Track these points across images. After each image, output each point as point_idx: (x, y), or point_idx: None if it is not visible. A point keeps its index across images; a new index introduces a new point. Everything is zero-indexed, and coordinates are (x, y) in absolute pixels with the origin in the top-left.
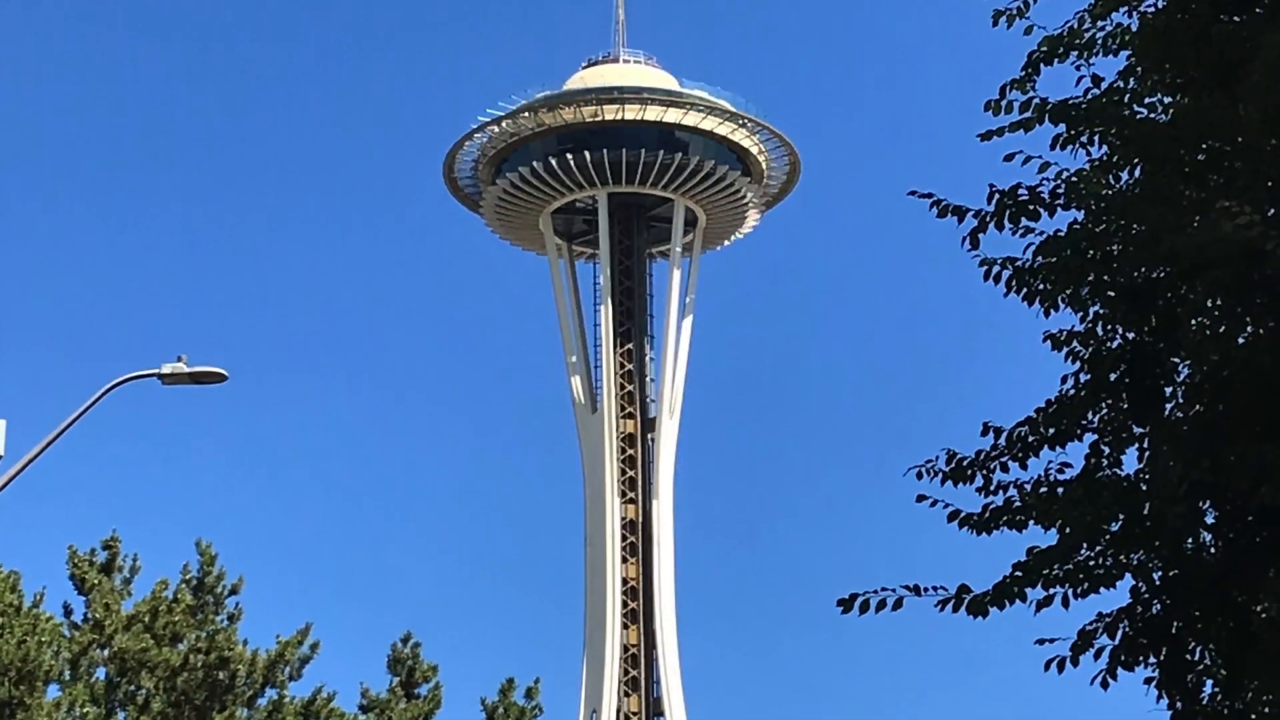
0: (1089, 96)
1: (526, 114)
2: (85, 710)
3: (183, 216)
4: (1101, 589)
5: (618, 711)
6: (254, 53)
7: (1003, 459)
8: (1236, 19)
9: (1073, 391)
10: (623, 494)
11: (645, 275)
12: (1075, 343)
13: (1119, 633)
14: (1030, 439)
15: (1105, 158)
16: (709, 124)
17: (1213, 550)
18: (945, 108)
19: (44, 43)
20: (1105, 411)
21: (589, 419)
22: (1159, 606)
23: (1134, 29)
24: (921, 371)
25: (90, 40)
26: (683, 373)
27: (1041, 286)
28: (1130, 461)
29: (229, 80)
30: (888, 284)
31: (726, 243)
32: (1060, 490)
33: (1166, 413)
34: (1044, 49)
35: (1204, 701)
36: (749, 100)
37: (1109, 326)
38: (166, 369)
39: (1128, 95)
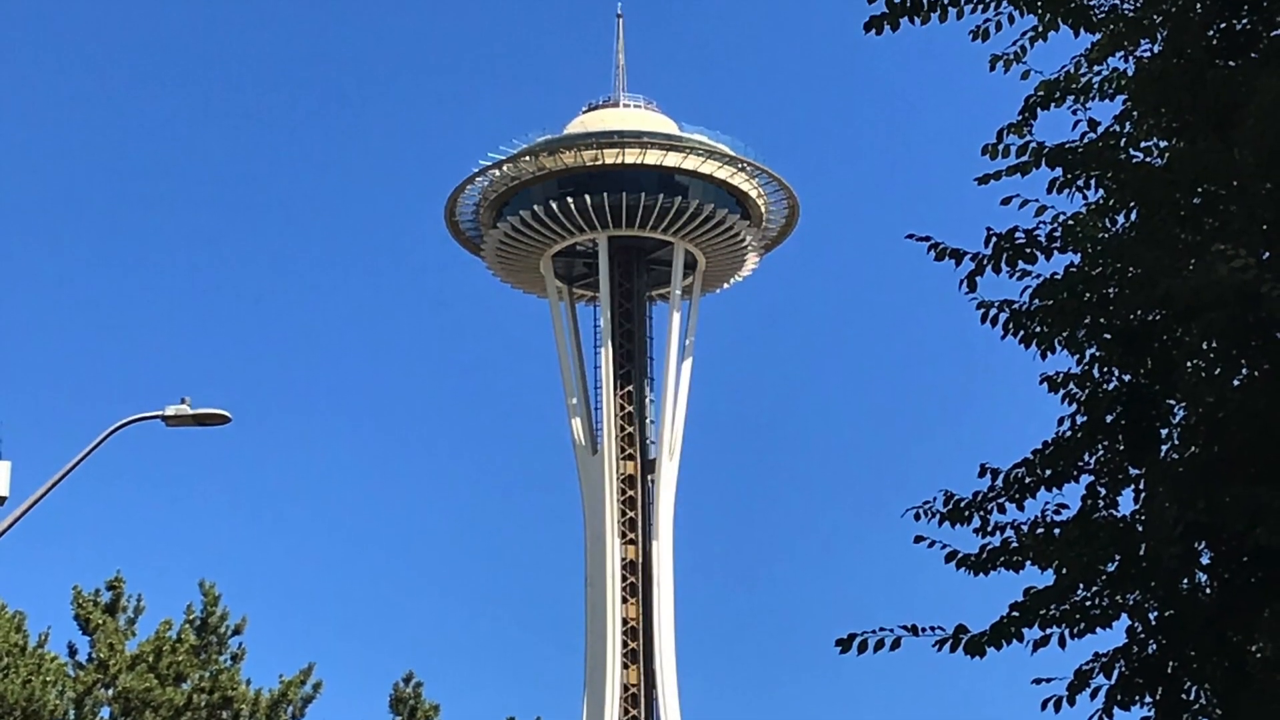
0: (1085, 140)
1: (527, 158)
2: None
3: (187, 259)
4: (1098, 629)
5: None
6: (258, 97)
7: (1000, 500)
8: (1231, 64)
9: (1069, 433)
10: (623, 535)
11: (645, 318)
12: (1072, 385)
13: (1115, 673)
14: (1027, 480)
15: (1101, 201)
16: (708, 168)
17: (1208, 591)
18: (942, 151)
19: (50, 86)
20: (1101, 453)
21: (589, 460)
22: (1155, 647)
23: (1130, 74)
24: (919, 413)
25: (95, 85)
26: (682, 414)
27: (1038, 329)
28: (1126, 503)
29: (233, 124)
30: (886, 326)
31: (726, 285)
32: (1057, 531)
33: (1162, 454)
34: (1041, 93)
35: None
36: (748, 144)
37: (1105, 369)
38: (170, 411)
39: (1124, 139)
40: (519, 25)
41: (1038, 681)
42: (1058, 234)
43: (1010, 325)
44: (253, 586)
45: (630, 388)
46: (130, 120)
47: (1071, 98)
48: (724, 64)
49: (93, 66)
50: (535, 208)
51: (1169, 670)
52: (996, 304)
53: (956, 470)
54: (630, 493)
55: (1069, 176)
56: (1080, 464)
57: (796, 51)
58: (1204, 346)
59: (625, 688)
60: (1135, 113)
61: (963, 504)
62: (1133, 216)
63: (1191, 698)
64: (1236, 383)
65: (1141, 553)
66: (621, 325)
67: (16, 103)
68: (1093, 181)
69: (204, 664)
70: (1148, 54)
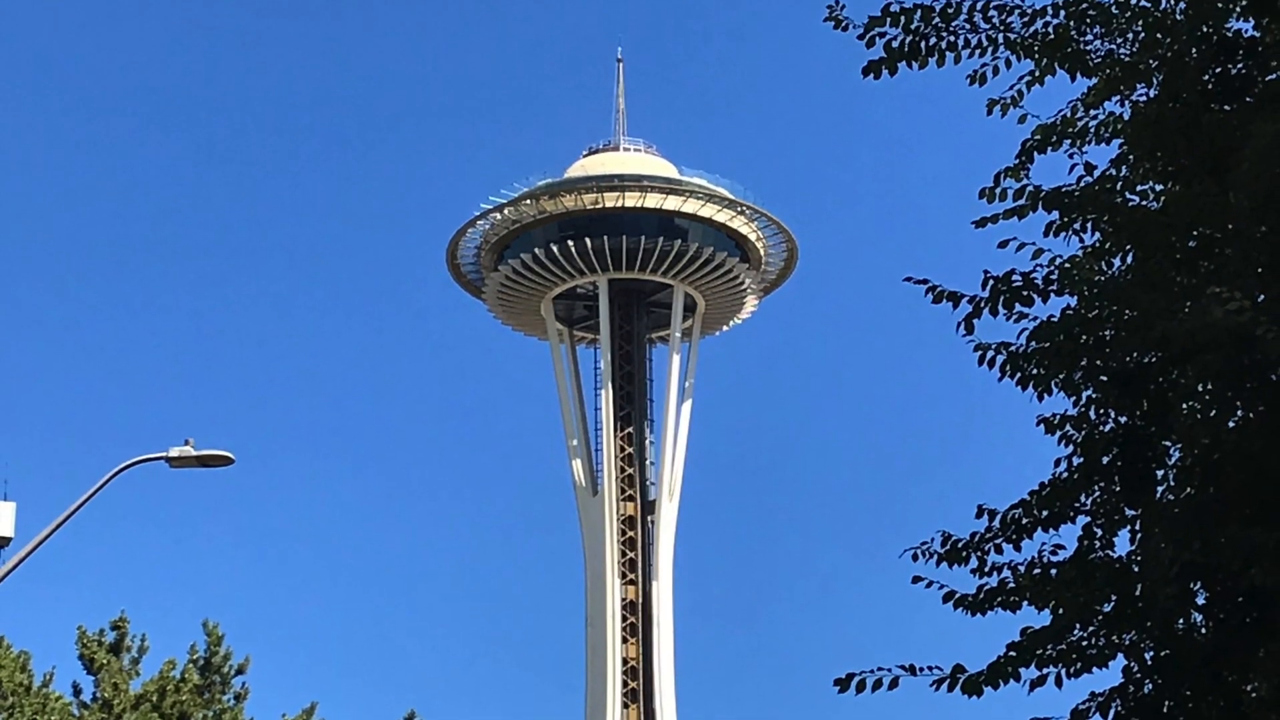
0: (1082, 184)
1: (528, 201)
2: None
3: (190, 302)
4: (1094, 669)
5: None
6: (262, 141)
7: (997, 541)
8: (1226, 108)
9: (1066, 474)
10: (623, 575)
11: (645, 360)
12: (1068, 426)
13: (1111, 712)
14: (1024, 521)
15: (1098, 244)
16: (708, 211)
17: (1204, 631)
18: (940, 195)
19: (56, 130)
20: (1098, 494)
21: (590, 501)
22: (1151, 686)
23: (1126, 118)
24: (917, 455)
25: (100, 128)
26: (682, 456)
27: (1035, 371)
28: (1122, 543)
29: (237, 168)
30: (884, 369)
31: (725, 328)
32: (1053, 571)
33: (1158, 495)
34: (1037, 137)
35: None
36: (747, 187)
37: (1101, 410)
38: (174, 452)
39: (1120, 183)
40: (520, 69)
41: None
42: (1054, 277)
43: (1007, 367)
44: (256, 626)
45: (630, 429)
46: (134, 163)
47: (1068, 142)
48: (723, 108)
49: (97, 110)
50: (536, 250)
51: (1165, 710)
52: (994, 346)
53: (954, 511)
54: (630, 533)
55: (1065, 220)
56: (1077, 505)
57: (795, 95)
58: (1199, 388)
59: None
60: (1131, 156)
61: (960, 544)
62: (1129, 259)
63: None
64: (1232, 424)
65: (1137, 593)
66: (622, 367)
67: (22, 146)
68: (1089, 225)
69: (208, 703)
70: (1144, 98)
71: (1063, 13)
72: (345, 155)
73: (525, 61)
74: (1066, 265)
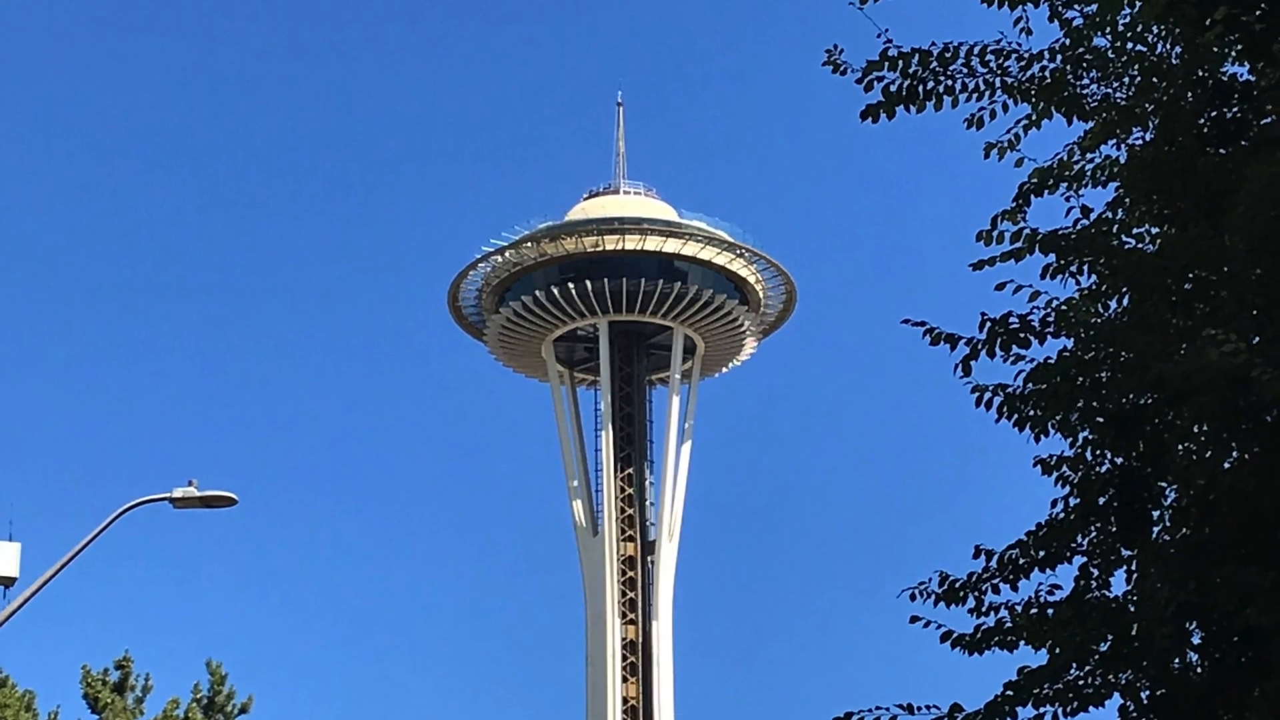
0: (1078, 227)
1: (529, 244)
2: None
3: (194, 345)
4: (1091, 708)
5: None
6: (263, 185)
7: (994, 581)
8: (1222, 152)
9: (1062, 515)
10: (623, 615)
11: (645, 401)
12: (1065, 467)
13: None
14: (1021, 561)
15: (1094, 286)
16: (707, 254)
17: (1199, 670)
18: (938, 238)
19: (58, 175)
20: (1094, 534)
21: (590, 542)
22: None
23: (1122, 161)
24: (915, 496)
25: (103, 173)
26: (682, 496)
27: (1032, 413)
28: (1119, 583)
29: (238, 212)
30: (882, 410)
31: (724, 369)
32: (1050, 611)
33: (1154, 536)
34: (1034, 180)
35: None
36: (746, 230)
37: (1098, 451)
38: (178, 493)
39: (1116, 226)
40: (521, 113)
41: None
42: (1051, 319)
43: (1004, 409)
44: (259, 666)
45: (630, 470)
46: (137, 208)
47: (1064, 185)
48: (722, 151)
49: (102, 152)
50: (537, 293)
51: None
52: (991, 388)
53: (952, 552)
54: (630, 573)
55: (1062, 263)
56: (1073, 545)
57: (794, 139)
58: (1195, 429)
59: None
60: (1127, 199)
61: (958, 585)
62: (1125, 302)
63: None
64: (1227, 465)
65: (1134, 632)
66: (622, 409)
67: (29, 187)
68: (1085, 267)
69: None
70: (1140, 142)
71: (1059, 57)
72: (348, 198)
73: (526, 105)
74: (1063, 308)
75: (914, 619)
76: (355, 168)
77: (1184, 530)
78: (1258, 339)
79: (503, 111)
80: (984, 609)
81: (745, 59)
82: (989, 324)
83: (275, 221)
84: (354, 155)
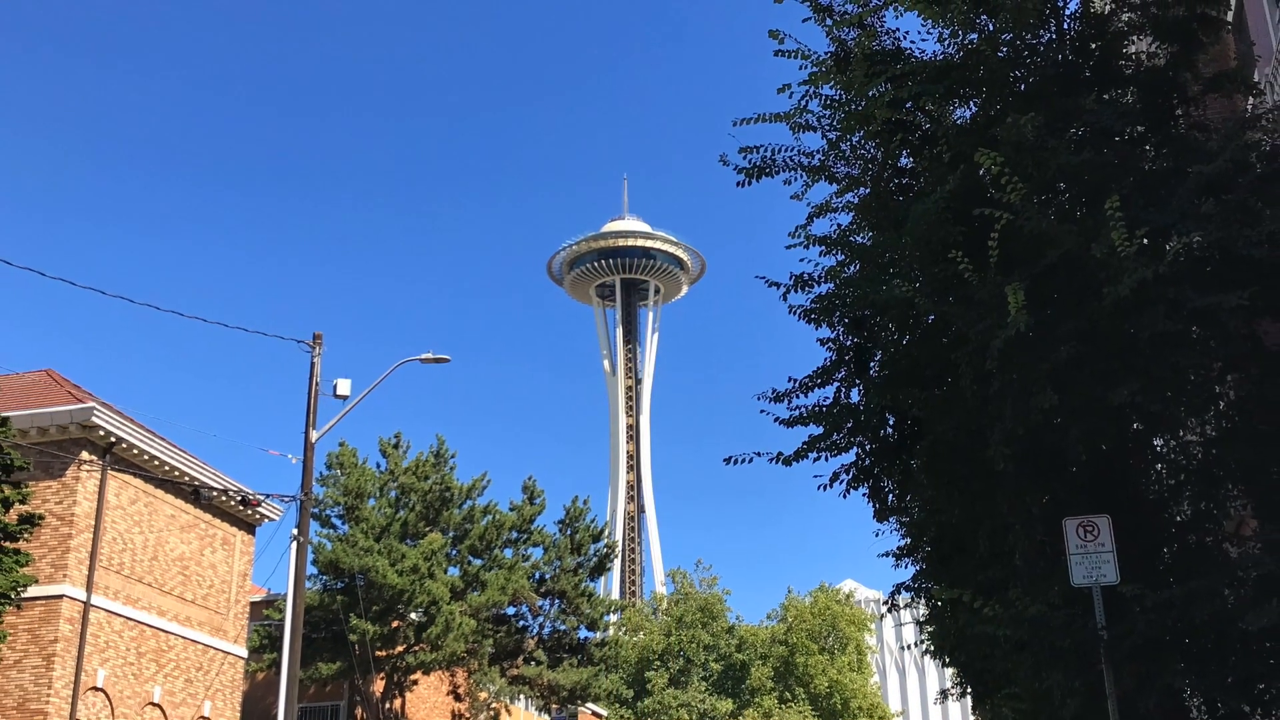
0: (836, 234)
1: (583, 242)
2: None
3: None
4: (842, 454)
5: None
6: (430, 200)
7: (799, 392)
8: (900, 198)
9: (830, 362)
10: (627, 413)
11: (635, 315)
12: (830, 343)
13: (851, 472)
14: (810, 385)
15: (844, 260)
16: (665, 245)
17: (893, 438)
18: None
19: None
20: (843, 373)
21: (611, 380)
22: (868, 461)
23: (855, 201)
24: (771, 364)
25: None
26: (653, 358)
27: (814, 316)
28: (855, 396)
29: (411, 221)
30: (756, 320)
31: (673, 300)
32: (822, 408)
33: (872, 373)
34: (815, 209)
35: (891, 503)
36: (684, 234)
37: (845, 335)
38: (425, 356)
39: (853, 227)
40: (580, 179)
41: (816, 477)
42: (822, 275)
43: (805, 315)
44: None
45: (630, 345)
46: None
47: (830, 214)
48: (677, 195)
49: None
50: (588, 265)
51: (875, 472)
52: (800, 306)
53: (782, 382)
54: (630, 399)
55: (830, 252)
56: (835, 377)
57: (717, 179)
58: (890, 326)
59: None
60: (860, 220)
61: (781, 394)
62: (856, 266)
63: (886, 488)
64: (906, 341)
65: (861, 420)
66: (625, 319)
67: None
68: (839, 251)
69: None
70: (864, 192)
71: (830, 155)
72: (491, 212)
73: (582, 175)
74: (831, 268)
75: (762, 411)
76: (505, 196)
77: (886, 372)
78: (919, 283)
79: (574, 176)
80: (794, 407)
81: (710, 144)
82: (794, 277)
83: (424, 223)
84: (501, 186)
